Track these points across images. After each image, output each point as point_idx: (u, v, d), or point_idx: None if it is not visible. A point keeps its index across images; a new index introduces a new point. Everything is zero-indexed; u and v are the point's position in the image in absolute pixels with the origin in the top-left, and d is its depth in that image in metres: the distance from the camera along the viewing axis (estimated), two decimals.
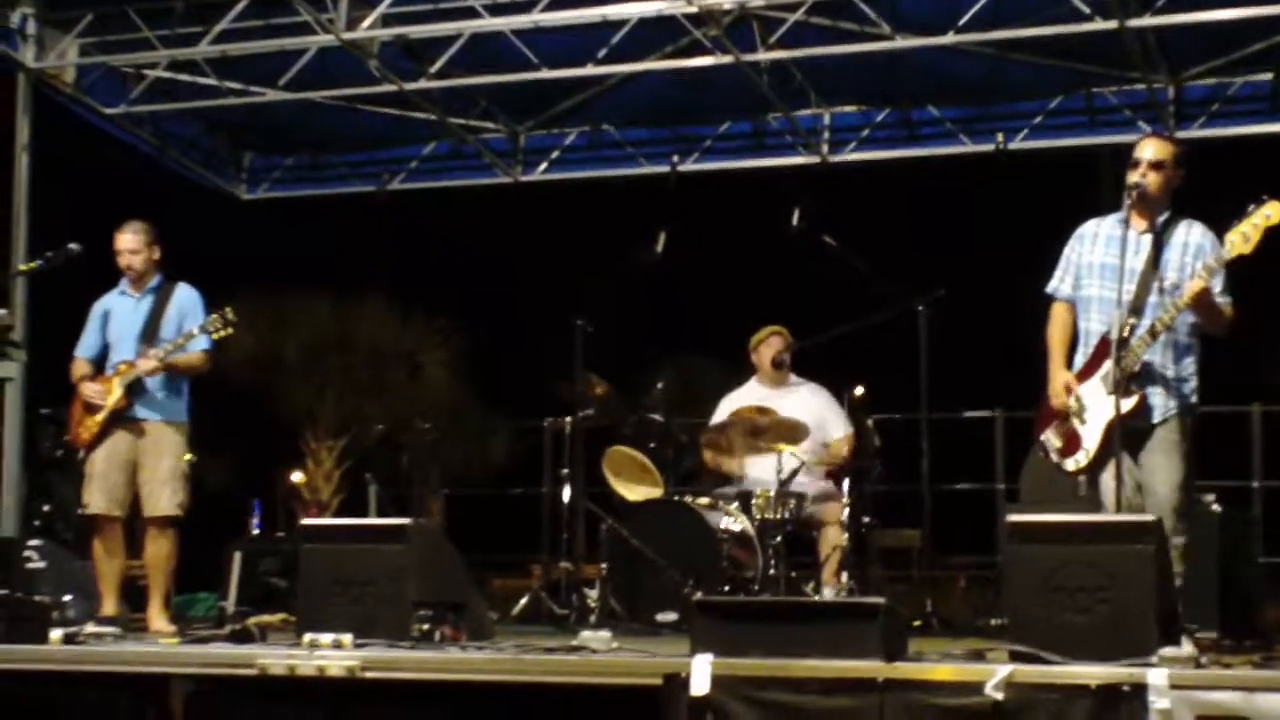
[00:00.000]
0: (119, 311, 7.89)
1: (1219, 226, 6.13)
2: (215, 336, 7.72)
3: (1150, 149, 6.30)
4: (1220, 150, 10.82)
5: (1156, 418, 6.18)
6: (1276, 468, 10.95)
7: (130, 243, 7.84)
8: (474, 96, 11.79)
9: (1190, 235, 6.28)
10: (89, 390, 7.74)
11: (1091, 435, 6.24)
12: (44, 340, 8.45)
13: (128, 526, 7.83)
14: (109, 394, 7.68)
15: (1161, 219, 6.32)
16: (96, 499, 7.70)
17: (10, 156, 10.70)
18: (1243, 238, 5.91)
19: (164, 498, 7.68)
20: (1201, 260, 6.14)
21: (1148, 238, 6.29)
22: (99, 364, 7.88)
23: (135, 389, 7.68)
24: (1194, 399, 6.28)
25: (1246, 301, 6.22)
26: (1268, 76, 10.89)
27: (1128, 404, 6.07)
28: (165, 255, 7.94)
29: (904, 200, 14.44)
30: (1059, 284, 6.55)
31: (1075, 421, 6.30)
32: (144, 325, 7.79)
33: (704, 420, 9.11)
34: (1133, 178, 6.25)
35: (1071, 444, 6.33)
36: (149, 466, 7.70)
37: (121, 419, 7.69)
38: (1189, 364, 6.27)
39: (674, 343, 15.88)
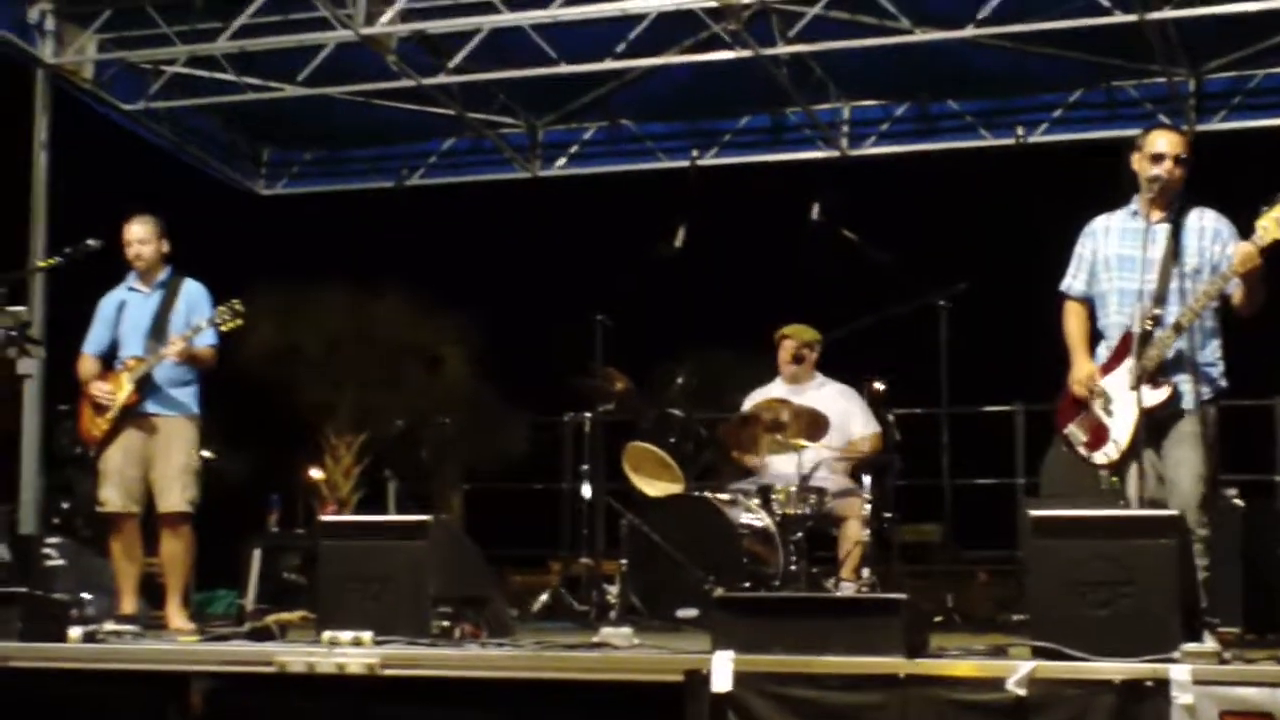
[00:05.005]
0: (127, 307, 7.82)
1: (1239, 220, 6.11)
2: (224, 328, 7.65)
3: (1170, 143, 6.27)
4: (1241, 143, 10.77)
5: (1187, 404, 6.14)
6: None
7: (139, 233, 7.79)
8: (492, 91, 11.79)
9: (1205, 220, 6.26)
10: (98, 390, 7.67)
11: (1121, 428, 6.19)
12: (63, 337, 8.41)
13: (145, 523, 7.76)
14: (118, 391, 7.62)
15: (1176, 207, 6.29)
16: (113, 496, 7.65)
17: (29, 153, 10.69)
18: (1276, 223, 5.87)
19: (175, 493, 7.61)
20: (1221, 244, 6.15)
21: (1164, 227, 6.26)
22: (107, 360, 7.81)
23: (146, 384, 7.61)
24: (1223, 383, 6.25)
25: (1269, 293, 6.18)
26: None
27: (1159, 395, 6.08)
28: (183, 250, 7.90)
29: (923, 194, 14.35)
30: (1072, 281, 6.53)
31: (1102, 414, 6.26)
32: (153, 321, 7.72)
33: (724, 415, 9.05)
34: (1154, 171, 6.22)
35: (1099, 437, 6.29)
36: (161, 462, 7.63)
37: (133, 415, 7.63)
38: (1215, 348, 6.24)
39: (693, 337, 15.79)
